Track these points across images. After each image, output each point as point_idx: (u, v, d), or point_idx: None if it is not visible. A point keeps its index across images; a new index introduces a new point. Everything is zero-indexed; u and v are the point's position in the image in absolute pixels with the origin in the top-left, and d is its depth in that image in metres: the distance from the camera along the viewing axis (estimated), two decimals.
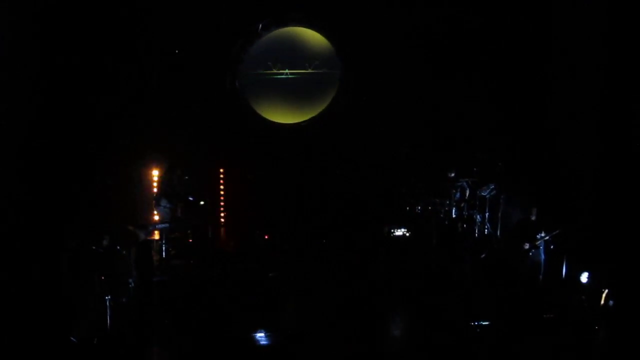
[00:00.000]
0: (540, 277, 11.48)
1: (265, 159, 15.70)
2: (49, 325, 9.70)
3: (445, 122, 14.92)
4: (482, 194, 13.98)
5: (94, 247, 10.81)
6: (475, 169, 14.44)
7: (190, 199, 13.97)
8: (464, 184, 14.30)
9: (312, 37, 16.03)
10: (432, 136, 15.13)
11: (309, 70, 16.07)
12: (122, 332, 10.07)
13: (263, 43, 16.04)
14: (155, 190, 14.37)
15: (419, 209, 14.81)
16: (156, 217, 13.92)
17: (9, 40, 11.61)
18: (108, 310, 9.90)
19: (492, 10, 14.30)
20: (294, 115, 16.23)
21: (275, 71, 16.08)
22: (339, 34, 15.74)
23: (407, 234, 13.97)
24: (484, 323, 10.20)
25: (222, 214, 16.04)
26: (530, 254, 11.49)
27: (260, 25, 15.73)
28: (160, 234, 13.48)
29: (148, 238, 12.24)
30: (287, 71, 16.09)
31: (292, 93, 16.21)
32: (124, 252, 11.28)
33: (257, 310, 10.84)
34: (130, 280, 11.08)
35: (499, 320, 10.25)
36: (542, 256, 11.52)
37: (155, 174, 14.58)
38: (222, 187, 16.05)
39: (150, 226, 12.92)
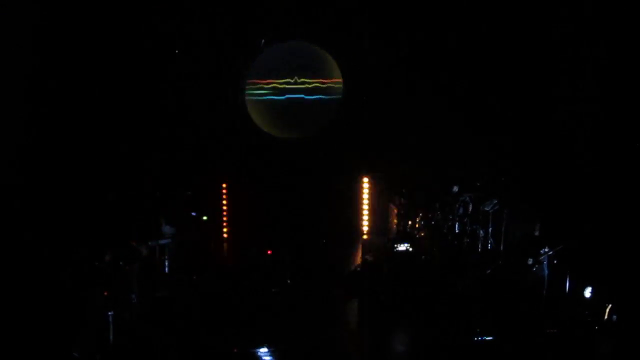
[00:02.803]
0: (544, 292, 11.43)
1: (267, 173, 15.72)
2: (50, 340, 9.66)
3: (447, 136, 14.93)
4: (485, 208, 13.97)
5: (96, 263, 10.80)
6: (478, 183, 14.44)
7: (193, 214, 13.98)
8: (467, 198, 14.29)
9: (314, 52, 16.10)
10: (435, 151, 15.14)
11: (311, 85, 16.12)
12: (124, 348, 10.04)
13: (265, 58, 16.12)
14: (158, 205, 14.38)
15: (422, 224, 14.79)
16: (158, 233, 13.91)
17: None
18: (110, 326, 9.87)
19: (490, 26, 14.35)
20: (296, 129, 16.27)
21: (277, 86, 16.13)
22: (341, 49, 15.81)
23: (410, 249, 13.94)
24: (487, 338, 10.15)
25: (224, 229, 16.04)
26: (534, 269, 11.46)
27: (263, 41, 15.80)
28: (163, 250, 13.46)
29: (150, 253, 12.25)
30: (289, 86, 16.14)
31: (295, 107, 16.25)
32: (127, 267, 11.27)
33: (260, 326, 10.82)
34: (133, 296, 11.07)
35: (502, 335, 10.21)
36: (546, 271, 11.48)
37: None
38: (224, 202, 16.06)
39: (152, 242, 12.90)
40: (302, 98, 16.20)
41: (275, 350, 9.95)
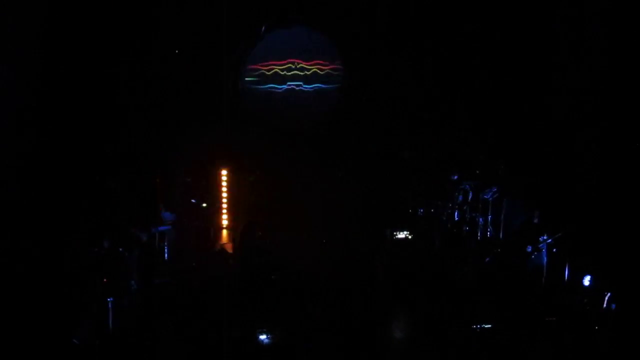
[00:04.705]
0: (543, 280, 11.45)
1: (267, 161, 15.69)
2: (50, 327, 9.68)
3: (447, 125, 14.91)
4: (485, 196, 13.96)
5: (95, 249, 10.81)
6: (477, 171, 14.43)
7: (193, 201, 13.98)
8: (467, 186, 14.29)
9: (315, 39, 16.02)
10: (435, 139, 15.13)
11: (312, 72, 16.07)
12: (124, 334, 10.06)
13: (266, 45, 16.04)
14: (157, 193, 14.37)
15: (421, 212, 14.79)
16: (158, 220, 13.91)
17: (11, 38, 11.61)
18: (110, 313, 9.89)
19: (492, 12, 14.29)
20: (296, 117, 16.22)
21: (278, 73, 16.08)
22: (342, 36, 15.75)
23: (410, 237, 13.94)
24: (486, 326, 10.18)
25: (224, 216, 16.03)
26: (533, 257, 11.47)
27: (264, 27, 15.73)
28: (162, 236, 13.47)
29: (150, 240, 12.26)
30: (290, 73, 16.09)
31: (295, 95, 16.19)
32: (126, 254, 11.27)
33: (259, 312, 10.84)
34: (132, 283, 11.09)
35: (501, 323, 10.23)
36: (545, 259, 11.50)
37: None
38: (224, 189, 16.04)
39: (152, 228, 12.90)
40: (303, 86, 16.13)
41: (274, 336, 9.98)
